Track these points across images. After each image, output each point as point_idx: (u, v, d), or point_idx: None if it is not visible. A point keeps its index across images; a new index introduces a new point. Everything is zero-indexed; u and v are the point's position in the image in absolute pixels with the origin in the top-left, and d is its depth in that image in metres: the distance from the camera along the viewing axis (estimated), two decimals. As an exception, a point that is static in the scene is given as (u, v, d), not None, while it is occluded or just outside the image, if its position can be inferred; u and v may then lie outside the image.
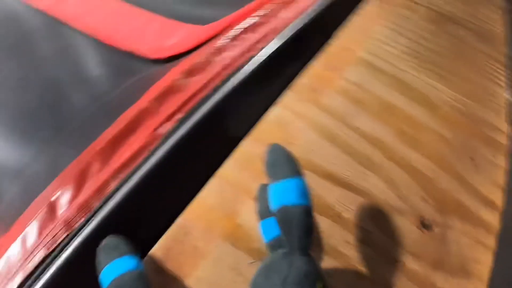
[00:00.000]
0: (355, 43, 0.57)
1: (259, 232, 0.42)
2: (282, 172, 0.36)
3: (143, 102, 0.55)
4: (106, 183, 0.47)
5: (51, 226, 0.47)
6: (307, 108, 0.50)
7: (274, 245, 0.40)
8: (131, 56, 0.86)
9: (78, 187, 0.49)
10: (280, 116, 0.49)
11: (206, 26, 0.85)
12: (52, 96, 0.83)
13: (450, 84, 0.57)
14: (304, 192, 0.36)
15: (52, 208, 0.48)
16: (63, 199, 0.49)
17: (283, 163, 0.37)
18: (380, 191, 0.47)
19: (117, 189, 0.45)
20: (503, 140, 0.56)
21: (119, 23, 0.91)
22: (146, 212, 0.46)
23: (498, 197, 0.51)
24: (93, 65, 0.86)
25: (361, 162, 0.48)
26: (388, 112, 0.52)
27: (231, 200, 0.44)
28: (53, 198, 0.48)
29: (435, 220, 0.48)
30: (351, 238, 0.44)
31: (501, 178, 0.53)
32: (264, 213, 0.41)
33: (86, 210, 0.46)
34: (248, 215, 0.43)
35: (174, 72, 0.58)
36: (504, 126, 0.58)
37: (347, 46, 0.57)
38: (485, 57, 0.65)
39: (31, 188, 0.72)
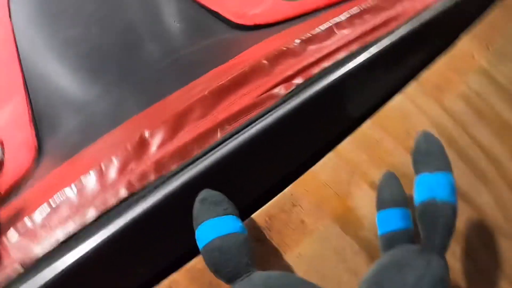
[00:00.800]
0: (478, 52, 0.54)
1: (372, 221, 0.39)
2: (437, 163, 0.33)
3: (248, 58, 0.51)
4: (210, 131, 0.43)
5: (138, 164, 0.43)
6: (429, 104, 0.47)
7: (388, 239, 0.37)
8: (213, 17, 0.82)
9: (173, 130, 0.45)
10: (403, 106, 0.46)
11: (293, 2, 0.82)
12: (127, 42, 0.79)
13: None
14: (455, 190, 0.33)
15: (139, 145, 0.44)
16: (155, 139, 0.45)
17: (438, 154, 0.34)
18: (490, 209, 0.44)
19: (223, 141, 0.41)
20: None
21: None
22: (249, 172, 0.42)
23: None
24: (175, 18, 0.83)
25: (476, 174, 0.45)
26: (507, 131, 0.49)
27: (345, 180, 0.41)
28: (146, 135, 0.44)
29: (537, 252, 0.45)
30: (457, 249, 0.41)
31: None
32: (385, 203, 0.38)
33: (183, 155, 0.42)
34: (362, 200, 0.40)
35: (285, 36, 0.55)
36: None
37: (471, 53, 0.53)
38: None
39: (90, 125, 0.69)
